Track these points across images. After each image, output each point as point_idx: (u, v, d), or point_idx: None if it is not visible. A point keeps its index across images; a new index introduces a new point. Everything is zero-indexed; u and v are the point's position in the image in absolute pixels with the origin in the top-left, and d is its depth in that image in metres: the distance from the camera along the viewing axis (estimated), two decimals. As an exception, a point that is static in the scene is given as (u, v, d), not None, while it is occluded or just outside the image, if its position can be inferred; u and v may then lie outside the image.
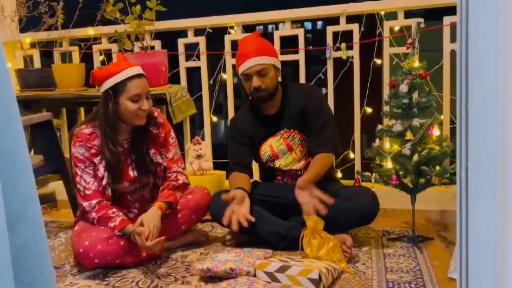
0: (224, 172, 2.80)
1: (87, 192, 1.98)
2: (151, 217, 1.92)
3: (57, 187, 2.93)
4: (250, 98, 2.28)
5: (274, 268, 1.70)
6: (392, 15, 2.62)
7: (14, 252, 0.71)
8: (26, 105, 2.79)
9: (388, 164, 2.07)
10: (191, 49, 2.93)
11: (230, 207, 2.00)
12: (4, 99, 0.73)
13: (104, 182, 1.99)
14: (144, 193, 2.13)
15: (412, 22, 2.18)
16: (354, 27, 2.64)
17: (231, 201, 2.01)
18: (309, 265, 1.70)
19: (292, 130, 2.21)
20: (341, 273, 1.80)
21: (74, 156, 2.01)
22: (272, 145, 2.22)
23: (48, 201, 2.95)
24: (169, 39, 3.08)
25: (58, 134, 2.62)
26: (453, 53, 2.47)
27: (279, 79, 2.22)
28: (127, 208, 2.11)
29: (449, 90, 2.50)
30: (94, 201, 1.96)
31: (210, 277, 1.80)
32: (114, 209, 1.97)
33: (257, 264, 1.76)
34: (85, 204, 1.97)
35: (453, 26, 2.43)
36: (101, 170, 2.00)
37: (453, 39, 2.46)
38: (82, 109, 3.11)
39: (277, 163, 2.23)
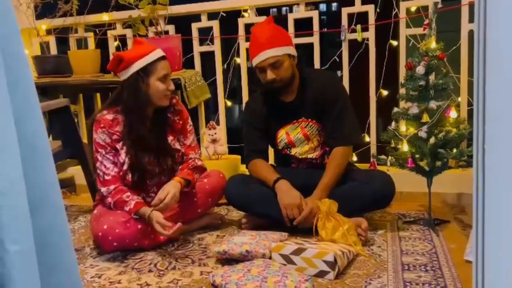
0: (239, 157, 2.82)
1: (106, 177, 2.01)
2: (172, 187, 1.97)
3: (76, 172, 2.98)
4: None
5: (289, 250, 1.72)
6: (408, -5, 2.57)
7: (37, 235, 0.73)
8: (43, 91, 2.83)
9: (404, 147, 2.06)
10: (205, 33, 2.92)
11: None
12: (24, 87, 0.75)
13: (125, 167, 2.02)
14: (162, 178, 2.15)
15: (429, 2, 2.14)
16: (370, 8, 2.60)
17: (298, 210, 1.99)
18: (325, 247, 1.71)
19: (310, 119, 2.17)
20: (357, 255, 1.80)
21: (96, 142, 2.03)
22: (288, 133, 2.20)
23: (67, 185, 3.00)
24: (182, 23, 3.07)
25: (75, 119, 2.66)
26: (471, 33, 2.42)
27: (295, 65, 2.14)
28: (145, 192, 2.14)
29: (466, 71, 2.45)
30: (112, 187, 2.00)
31: (226, 259, 1.83)
32: (129, 193, 1.99)
33: (272, 247, 1.78)
34: (103, 189, 2.01)
35: (471, 6, 2.37)
36: (123, 156, 2.02)
37: (471, 19, 2.41)
38: (98, 95, 3.15)
39: (293, 151, 2.22)
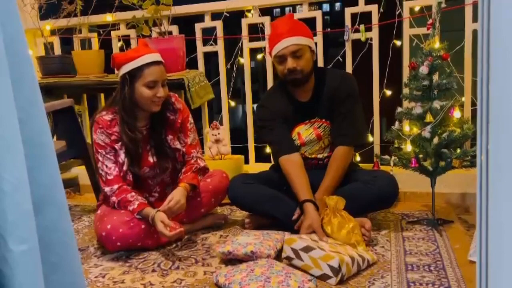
0: (242, 157, 2.82)
1: (109, 177, 2.02)
2: (182, 196, 1.97)
3: (80, 172, 2.99)
4: (279, 80, 2.22)
5: (300, 246, 1.71)
6: (412, -5, 2.56)
7: (41, 234, 0.74)
8: (48, 91, 2.84)
9: (408, 147, 2.05)
10: (208, 33, 2.92)
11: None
12: (27, 86, 0.75)
13: (124, 167, 2.03)
14: (164, 177, 2.16)
15: (433, 1, 2.13)
16: (373, 8, 2.60)
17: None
18: (335, 250, 1.69)
19: (324, 120, 2.16)
20: (372, 264, 1.73)
21: (96, 143, 2.04)
22: (300, 133, 2.19)
23: (71, 185, 3.01)
24: (186, 24, 3.07)
25: (79, 120, 2.66)
26: (475, 33, 2.41)
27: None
28: (148, 192, 2.14)
29: (470, 71, 2.45)
30: (115, 186, 2.00)
31: (230, 259, 1.83)
32: (133, 193, 2.00)
33: (285, 239, 1.78)
34: (106, 189, 2.02)
35: (475, 5, 2.36)
36: (122, 156, 2.03)
37: (475, 19, 2.40)
38: (102, 95, 3.16)
39: (303, 150, 2.21)
